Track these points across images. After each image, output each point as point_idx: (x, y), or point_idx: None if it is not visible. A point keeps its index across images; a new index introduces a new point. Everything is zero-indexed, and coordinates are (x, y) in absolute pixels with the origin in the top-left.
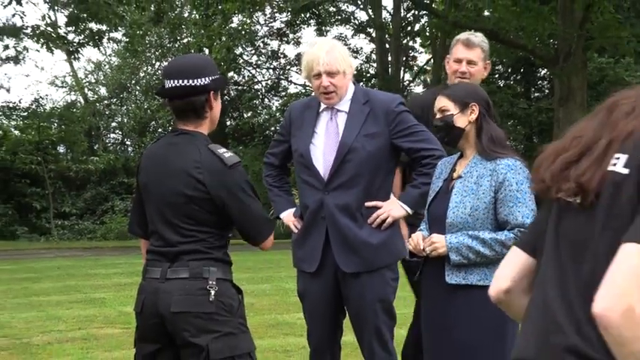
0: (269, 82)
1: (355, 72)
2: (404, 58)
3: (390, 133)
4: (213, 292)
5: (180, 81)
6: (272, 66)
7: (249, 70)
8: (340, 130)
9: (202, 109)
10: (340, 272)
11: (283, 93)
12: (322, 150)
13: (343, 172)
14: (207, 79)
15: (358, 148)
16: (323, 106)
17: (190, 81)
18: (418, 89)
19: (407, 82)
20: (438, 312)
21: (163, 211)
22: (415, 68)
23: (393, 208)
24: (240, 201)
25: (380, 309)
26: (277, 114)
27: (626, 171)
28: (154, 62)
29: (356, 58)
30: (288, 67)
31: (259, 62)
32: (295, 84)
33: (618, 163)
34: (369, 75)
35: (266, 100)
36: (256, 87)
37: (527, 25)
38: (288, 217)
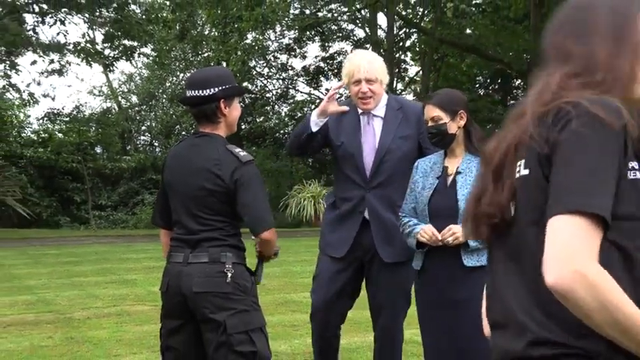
0: (279, 90)
1: None
2: (396, 70)
3: (418, 135)
4: (229, 275)
5: (194, 91)
6: (281, 77)
7: (261, 81)
8: (377, 133)
9: (214, 115)
10: (371, 260)
11: (291, 100)
12: (363, 151)
13: (382, 171)
14: (214, 89)
15: (394, 149)
16: (360, 111)
17: (200, 91)
18: (409, 97)
19: (399, 90)
20: (456, 291)
21: (187, 204)
22: (406, 79)
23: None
24: (249, 192)
25: (403, 296)
26: (286, 119)
27: (526, 172)
28: (178, 74)
29: None
30: (295, 77)
31: (270, 73)
32: (302, 92)
33: (521, 169)
34: None
35: (276, 106)
36: (267, 95)
37: (503, 41)
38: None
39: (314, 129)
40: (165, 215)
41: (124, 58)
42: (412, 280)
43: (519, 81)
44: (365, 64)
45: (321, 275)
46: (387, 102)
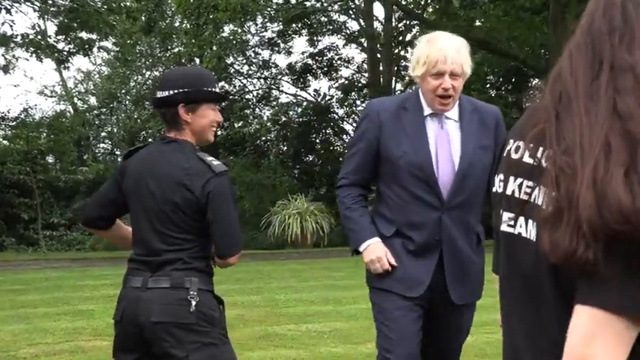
0: (260, 91)
1: (346, 82)
2: (395, 68)
3: (495, 146)
4: (194, 303)
5: (159, 91)
6: (263, 75)
7: (240, 80)
8: (454, 140)
9: (174, 120)
10: (438, 300)
11: (274, 102)
12: (436, 162)
13: (463, 189)
14: (173, 91)
15: (476, 161)
16: (428, 110)
17: (161, 93)
18: None
19: (398, 91)
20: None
21: (151, 219)
22: (407, 78)
23: None
24: (221, 208)
25: (467, 333)
26: (268, 124)
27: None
28: (144, 72)
29: (347, 68)
30: (279, 76)
31: (250, 72)
32: (286, 93)
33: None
34: (360, 85)
35: (257, 109)
36: (247, 96)
37: (518, 34)
38: (375, 248)
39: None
40: (106, 211)
41: (80, 53)
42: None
43: (536, 80)
44: (452, 53)
45: (397, 322)
46: (460, 101)
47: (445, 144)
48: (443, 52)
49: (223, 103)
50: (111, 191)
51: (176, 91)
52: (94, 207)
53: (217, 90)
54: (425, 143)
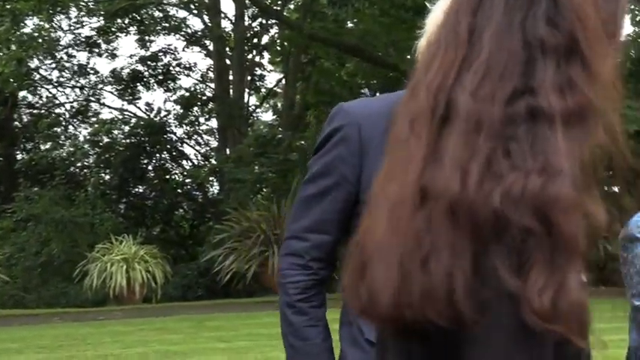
0: (75, 104)
1: (187, 94)
2: (249, 78)
3: None
4: None
5: None
6: (79, 84)
7: (48, 90)
8: None
9: None
10: None
11: (94, 119)
12: None
13: None
14: None
15: None
16: None
17: None
18: (267, 116)
19: (253, 107)
20: None
21: None
22: (263, 90)
23: None
24: None
25: None
26: (86, 146)
27: None
28: None
29: (188, 76)
30: (100, 85)
31: (62, 79)
32: (109, 107)
33: None
34: (204, 98)
35: (71, 127)
36: (58, 110)
37: (398, 39)
38: None
39: None
40: None
41: None
42: None
43: None
44: None
45: None
46: None
47: None
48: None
49: (25, 119)
50: None
51: None
52: None
53: None
54: None
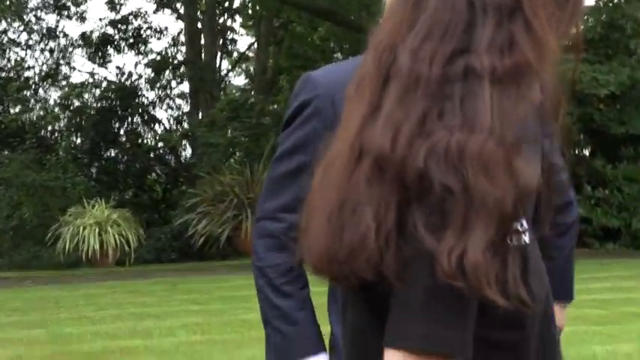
0: (45, 67)
1: (158, 58)
2: (221, 41)
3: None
4: None
5: None
6: (48, 47)
7: (16, 52)
8: None
9: None
10: None
11: (64, 82)
12: None
13: None
14: None
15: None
16: None
17: None
18: (239, 81)
19: (225, 71)
20: None
21: None
22: (235, 54)
23: (561, 318)
24: None
25: None
26: (56, 109)
27: None
28: None
29: (159, 40)
30: (70, 48)
31: (31, 42)
32: (80, 70)
33: None
34: (176, 62)
35: (41, 90)
36: (27, 74)
37: (371, 3)
38: None
39: None
40: None
41: None
42: None
43: None
44: None
45: None
46: None
47: None
48: None
49: None
50: None
51: None
52: None
53: None
54: None
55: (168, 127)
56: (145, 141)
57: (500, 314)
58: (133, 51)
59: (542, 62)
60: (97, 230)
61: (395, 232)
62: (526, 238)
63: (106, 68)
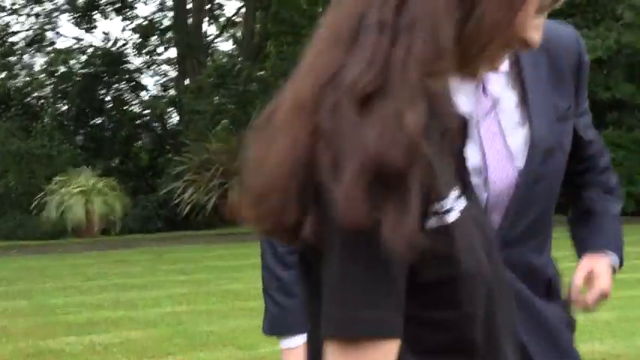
0: (30, 32)
1: (145, 23)
2: (208, 6)
3: (578, 105)
4: None
5: None
6: (33, 12)
7: (1, 18)
8: (507, 123)
9: None
10: None
11: (49, 48)
12: (484, 171)
13: (531, 206)
14: None
15: (555, 148)
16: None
17: None
18: (227, 46)
19: (212, 36)
20: None
21: None
22: (222, 19)
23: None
24: None
25: None
26: (41, 75)
27: None
28: None
29: (146, 4)
30: (55, 13)
31: (16, 6)
32: (65, 36)
33: None
34: (162, 27)
35: (26, 56)
36: (12, 39)
37: None
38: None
39: None
40: None
41: None
42: None
43: None
44: None
45: None
46: None
47: (495, 133)
48: None
49: None
50: None
51: None
52: None
53: None
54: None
55: (154, 94)
56: (131, 108)
57: (436, 294)
58: (119, 16)
59: (432, 16)
60: (82, 199)
61: (302, 169)
62: (448, 217)
63: (92, 34)
